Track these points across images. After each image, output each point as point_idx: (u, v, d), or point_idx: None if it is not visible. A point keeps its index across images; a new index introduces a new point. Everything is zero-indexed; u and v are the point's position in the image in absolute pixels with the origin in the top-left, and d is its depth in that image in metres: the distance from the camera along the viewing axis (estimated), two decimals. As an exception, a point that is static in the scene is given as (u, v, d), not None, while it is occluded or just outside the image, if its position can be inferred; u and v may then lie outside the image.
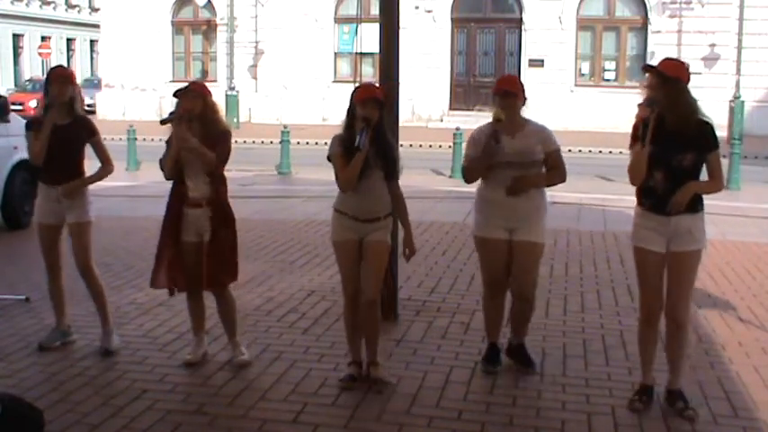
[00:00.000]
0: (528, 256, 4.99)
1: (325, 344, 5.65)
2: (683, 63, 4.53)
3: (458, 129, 15.86)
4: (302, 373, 5.11)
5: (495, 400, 4.75)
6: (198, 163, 5.04)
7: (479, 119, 26.54)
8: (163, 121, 5.12)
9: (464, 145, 16.96)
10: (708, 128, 4.44)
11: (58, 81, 5.42)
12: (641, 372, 4.77)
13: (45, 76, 5.63)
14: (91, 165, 5.57)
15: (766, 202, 12.42)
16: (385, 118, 4.86)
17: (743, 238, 9.56)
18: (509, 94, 4.88)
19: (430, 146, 19.16)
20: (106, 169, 5.60)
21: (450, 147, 15.78)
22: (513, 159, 4.84)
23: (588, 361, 5.38)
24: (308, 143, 17.59)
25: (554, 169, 4.99)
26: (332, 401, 4.69)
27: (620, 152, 16.51)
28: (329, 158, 4.87)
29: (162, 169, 5.12)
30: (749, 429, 4.43)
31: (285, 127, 16.53)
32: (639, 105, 4.49)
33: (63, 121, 5.37)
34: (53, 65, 32.49)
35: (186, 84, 5.27)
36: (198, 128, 5.04)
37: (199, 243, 5.14)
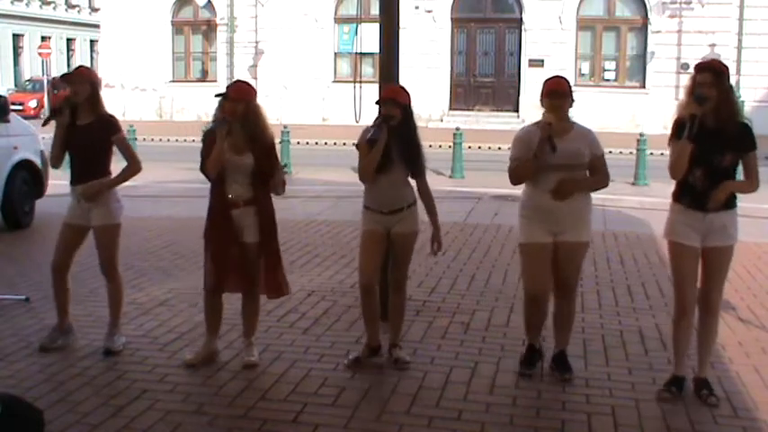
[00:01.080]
0: (573, 255, 4.98)
1: (325, 344, 5.65)
2: (725, 65, 4.66)
3: (458, 129, 15.86)
4: (302, 373, 5.11)
5: (495, 400, 4.75)
6: (241, 166, 5.05)
7: (479, 119, 26.66)
8: (207, 131, 5.12)
9: (464, 145, 16.84)
10: (747, 129, 4.60)
11: (75, 81, 5.39)
12: (675, 363, 4.86)
13: (63, 75, 5.64)
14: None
15: (766, 203, 12.41)
16: (413, 119, 5.14)
17: (743, 238, 9.48)
18: (558, 93, 4.81)
19: (430, 146, 18.98)
20: (131, 168, 5.53)
21: (450, 147, 15.78)
22: (561, 162, 4.76)
23: (588, 361, 5.38)
24: (308, 143, 17.59)
25: (597, 174, 4.96)
26: (332, 401, 4.69)
27: (620, 152, 16.55)
28: (357, 147, 5.13)
29: (205, 172, 5.10)
30: (749, 429, 4.43)
31: (285, 127, 16.53)
32: (688, 102, 4.47)
33: (84, 120, 5.35)
34: (53, 65, 32.22)
35: (229, 84, 5.25)
36: (239, 131, 5.03)
37: (240, 244, 5.16)
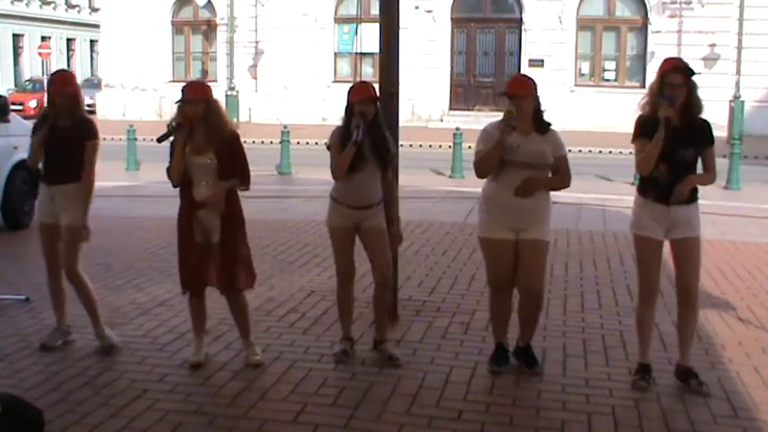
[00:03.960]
0: (536, 254, 5.01)
1: (325, 344, 5.65)
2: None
3: (458, 129, 15.87)
4: (302, 373, 5.11)
5: (495, 400, 4.75)
6: (203, 167, 5.02)
7: (479, 119, 26.66)
8: (160, 139, 5.10)
9: (464, 145, 16.93)
10: (708, 125, 4.82)
11: (57, 84, 5.43)
12: (640, 352, 5.01)
13: (47, 79, 5.66)
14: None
15: (766, 202, 12.42)
16: (380, 113, 5.22)
17: (743, 238, 9.55)
18: (516, 96, 4.84)
19: (430, 146, 19.16)
20: (90, 177, 5.47)
21: (450, 147, 15.78)
22: (526, 160, 4.84)
23: (588, 361, 5.38)
24: (308, 143, 17.59)
25: (560, 174, 5.00)
26: (332, 401, 4.69)
27: (620, 152, 16.55)
28: (328, 148, 5.23)
29: (169, 178, 5.09)
30: (749, 429, 4.43)
31: (285, 127, 16.54)
32: (662, 104, 4.62)
33: (64, 122, 5.37)
34: (53, 65, 32.32)
35: (185, 84, 5.20)
36: (202, 132, 5.01)
37: (206, 244, 5.13)
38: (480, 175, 5.02)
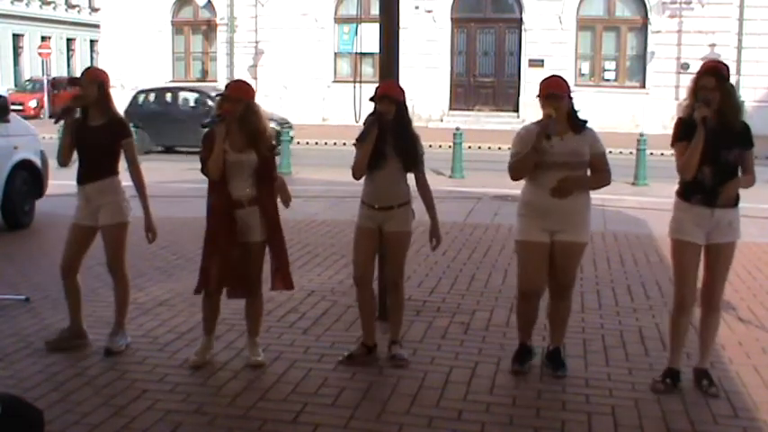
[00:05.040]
0: (569, 255, 4.99)
1: (325, 344, 5.65)
2: (727, 66, 4.84)
3: (458, 129, 15.87)
4: (302, 373, 5.11)
5: (495, 400, 4.75)
6: (242, 164, 5.03)
7: (479, 119, 26.66)
8: (204, 125, 5.18)
9: (464, 145, 16.87)
10: (748, 128, 4.81)
11: (83, 83, 5.42)
12: (670, 356, 4.96)
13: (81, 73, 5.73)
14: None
15: (766, 203, 12.42)
16: (406, 112, 5.22)
17: (743, 238, 9.53)
18: (557, 96, 4.82)
19: (430, 146, 19.07)
20: (139, 174, 5.62)
21: (450, 147, 15.78)
22: (561, 160, 4.78)
23: (588, 361, 5.38)
24: (308, 143, 17.60)
25: (599, 172, 4.97)
26: (332, 401, 4.69)
27: (620, 152, 16.55)
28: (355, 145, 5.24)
29: (205, 174, 5.07)
30: (749, 429, 4.43)
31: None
32: (700, 105, 4.61)
33: (97, 122, 5.37)
34: (53, 65, 32.18)
35: (229, 82, 5.30)
36: (237, 130, 5.02)
37: (243, 244, 5.12)
38: (514, 177, 4.97)
